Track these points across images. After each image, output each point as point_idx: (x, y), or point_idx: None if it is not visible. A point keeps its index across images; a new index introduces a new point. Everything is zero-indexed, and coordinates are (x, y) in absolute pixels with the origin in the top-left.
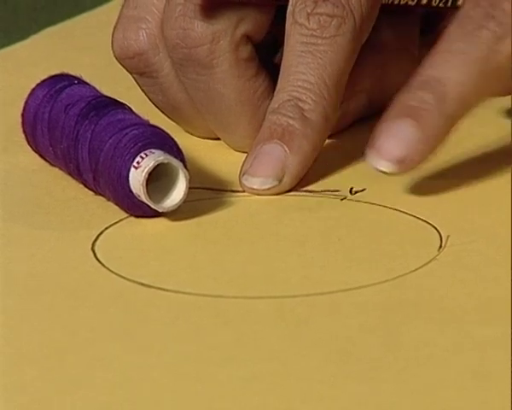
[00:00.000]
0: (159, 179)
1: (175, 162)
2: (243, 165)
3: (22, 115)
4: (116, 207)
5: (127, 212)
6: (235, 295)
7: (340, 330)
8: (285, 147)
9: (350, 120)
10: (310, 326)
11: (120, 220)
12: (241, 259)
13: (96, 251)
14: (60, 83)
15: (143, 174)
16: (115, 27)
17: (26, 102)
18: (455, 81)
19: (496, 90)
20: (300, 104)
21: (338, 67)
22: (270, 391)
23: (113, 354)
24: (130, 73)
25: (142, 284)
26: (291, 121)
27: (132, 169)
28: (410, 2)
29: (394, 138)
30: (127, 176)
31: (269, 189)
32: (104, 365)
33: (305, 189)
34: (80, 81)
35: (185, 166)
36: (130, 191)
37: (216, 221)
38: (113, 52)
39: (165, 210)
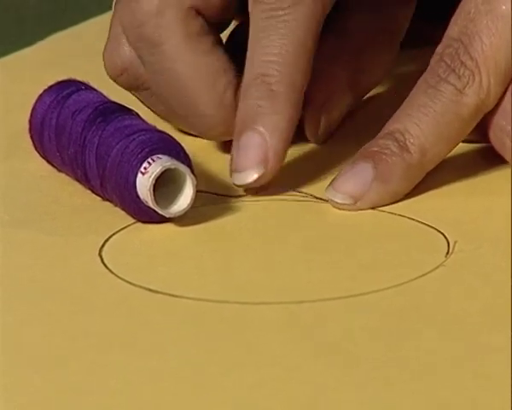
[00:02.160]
0: (166, 185)
1: (182, 168)
2: (230, 165)
3: (29, 121)
4: (123, 213)
5: (134, 217)
6: (241, 301)
7: (346, 336)
8: (260, 129)
9: (338, 119)
10: (316, 332)
11: (127, 226)
12: (247, 264)
13: (104, 257)
14: (67, 89)
15: (150, 180)
16: (104, 49)
17: (34, 108)
18: (416, 133)
19: (461, 139)
20: (266, 79)
21: (300, 33)
22: (277, 397)
23: (121, 360)
24: (130, 91)
25: (150, 290)
26: (259, 102)
27: (139, 175)
28: None
29: (351, 176)
30: (134, 182)
31: (259, 178)
32: (111, 370)
33: (310, 196)
34: (87, 87)
35: (192, 172)
36: (138, 197)
37: (223, 227)
38: (107, 72)
39: (172, 216)
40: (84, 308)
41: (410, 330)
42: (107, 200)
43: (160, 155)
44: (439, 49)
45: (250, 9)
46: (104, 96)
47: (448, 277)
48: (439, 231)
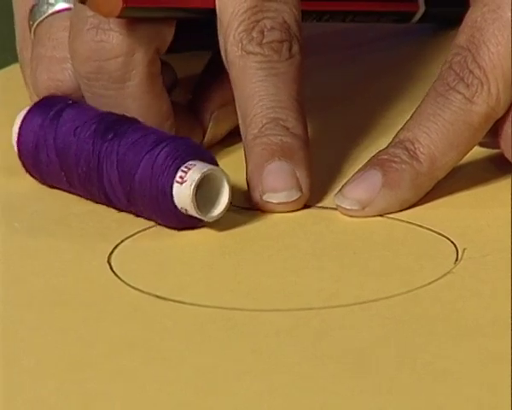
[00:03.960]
0: (202, 187)
1: (217, 172)
2: (254, 187)
3: (18, 146)
4: (132, 220)
5: (171, 227)
6: (251, 308)
7: (355, 343)
8: (290, 162)
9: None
10: (325, 339)
11: (136, 233)
12: (257, 272)
13: (113, 264)
14: (54, 106)
15: (192, 188)
16: (35, 68)
17: (20, 134)
18: (426, 142)
19: (471, 148)
20: (282, 123)
21: (299, 84)
22: (286, 404)
23: (129, 367)
24: None
25: (158, 297)
26: (284, 139)
27: (176, 185)
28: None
29: (360, 182)
30: (171, 193)
31: (295, 200)
32: (120, 377)
33: (320, 205)
34: (73, 100)
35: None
36: (175, 207)
37: (232, 234)
38: (37, 94)
39: (212, 220)
40: (92, 315)
41: (419, 337)
42: (136, 215)
43: (192, 162)
44: (448, 57)
45: (235, 61)
46: (96, 109)
47: (457, 284)
48: (448, 239)
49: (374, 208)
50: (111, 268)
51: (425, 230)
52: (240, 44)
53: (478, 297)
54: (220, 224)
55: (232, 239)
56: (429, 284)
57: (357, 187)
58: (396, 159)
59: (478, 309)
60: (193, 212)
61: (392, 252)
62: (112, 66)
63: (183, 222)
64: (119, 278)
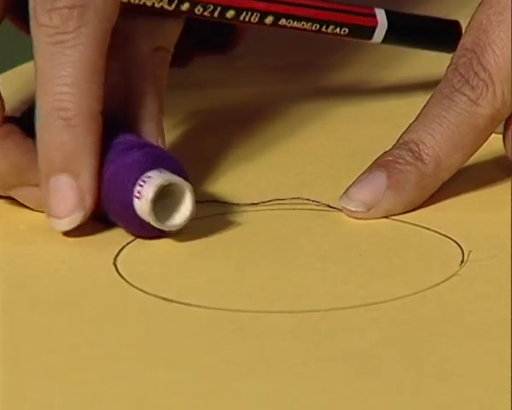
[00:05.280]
0: (170, 195)
1: (177, 181)
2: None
3: None
4: None
5: (143, 238)
6: (255, 310)
7: (361, 345)
8: (70, 171)
9: None
10: (331, 341)
11: None
12: (261, 273)
13: (118, 266)
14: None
15: (148, 203)
16: None
17: None
18: (431, 144)
19: (477, 150)
20: (63, 114)
21: (91, 56)
22: (291, 405)
23: (135, 369)
24: None
25: (164, 299)
26: (62, 139)
27: (135, 200)
28: (166, 7)
29: (365, 184)
30: (133, 207)
31: (80, 221)
32: (126, 379)
33: (327, 203)
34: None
35: (186, 179)
36: (142, 219)
37: (236, 236)
38: None
39: (178, 228)
40: (98, 317)
41: (425, 339)
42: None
43: (148, 174)
44: (454, 58)
45: (33, 31)
46: None
47: (462, 286)
48: (454, 241)
49: (379, 210)
50: (117, 270)
51: (430, 232)
52: (35, 12)
53: (483, 299)
54: (226, 226)
55: (237, 241)
56: (435, 286)
57: (362, 189)
58: (401, 160)
59: (483, 311)
60: (156, 224)
61: (397, 254)
62: None
63: (152, 232)
64: (124, 279)
